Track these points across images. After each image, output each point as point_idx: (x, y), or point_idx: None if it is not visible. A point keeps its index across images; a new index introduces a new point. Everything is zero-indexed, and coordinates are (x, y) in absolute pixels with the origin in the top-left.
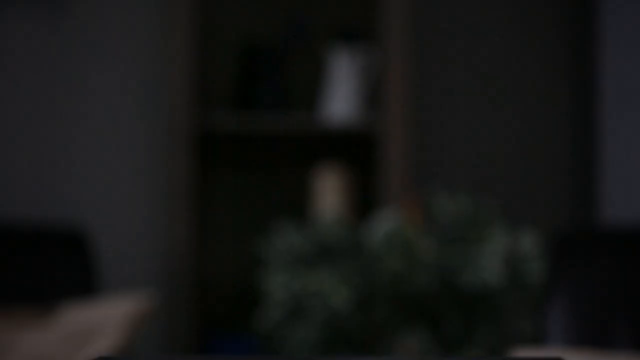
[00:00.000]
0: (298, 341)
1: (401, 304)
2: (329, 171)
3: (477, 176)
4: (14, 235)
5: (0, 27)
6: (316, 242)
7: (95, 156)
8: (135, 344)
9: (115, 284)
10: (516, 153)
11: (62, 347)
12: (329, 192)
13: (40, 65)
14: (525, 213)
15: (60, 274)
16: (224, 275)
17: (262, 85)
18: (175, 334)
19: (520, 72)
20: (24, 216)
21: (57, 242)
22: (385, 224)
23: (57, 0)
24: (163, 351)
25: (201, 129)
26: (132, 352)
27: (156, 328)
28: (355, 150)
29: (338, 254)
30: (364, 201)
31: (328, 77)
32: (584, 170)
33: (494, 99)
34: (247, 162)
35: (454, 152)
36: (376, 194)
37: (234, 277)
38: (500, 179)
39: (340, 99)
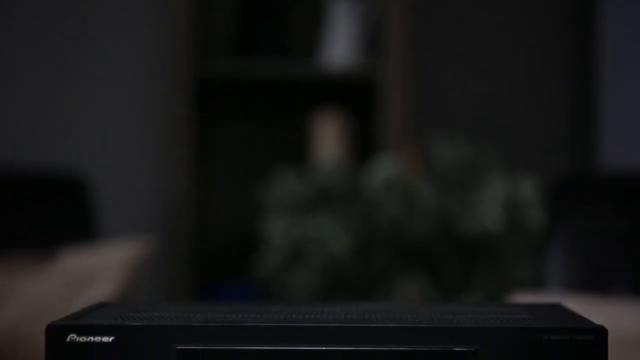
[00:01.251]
0: (297, 287)
1: (400, 249)
2: (328, 117)
3: (476, 122)
4: (14, 181)
5: None
6: (315, 188)
7: (95, 103)
8: (135, 290)
9: (115, 231)
10: (516, 99)
11: (62, 293)
12: (328, 138)
13: (41, 13)
14: (525, 159)
15: (59, 220)
16: (224, 222)
17: (262, 30)
18: (175, 280)
19: (520, 18)
20: (24, 162)
21: (57, 188)
22: (384, 169)
23: None
24: (163, 297)
25: (200, 75)
26: (131, 298)
27: (156, 274)
28: (354, 96)
29: (337, 200)
30: (363, 147)
31: (328, 22)
32: (584, 116)
33: (494, 45)
34: (247, 109)
35: (454, 98)
36: (375, 139)
37: (234, 223)
38: (499, 125)
39: (340, 45)
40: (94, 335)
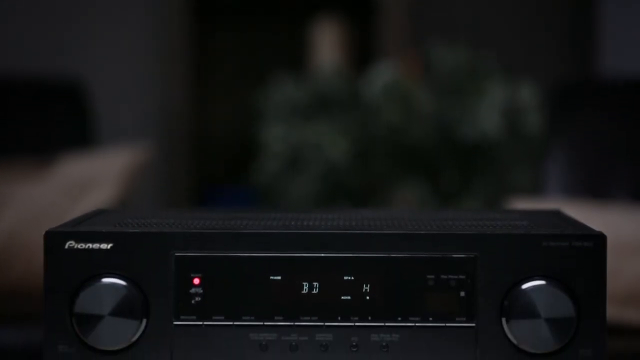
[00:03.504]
0: (296, 194)
1: (399, 156)
2: (327, 23)
3: (476, 29)
4: (12, 86)
5: None
6: (314, 94)
7: (96, 10)
8: (134, 196)
9: (113, 137)
10: (516, 5)
11: (60, 199)
12: (327, 45)
13: None
14: (524, 65)
15: (58, 126)
16: (222, 128)
17: None
18: (173, 186)
19: None
20: (22, 68)
21: (55, 95)
22: (383, 75)
23: None
24: (162, 203)
25: None
26: (130, 204)
27: (155, 180)
28: (354, 1)
29: (336, 106)
30: (362, 54)
31: None
32: (585, 21)
33: None
34: (245, 15)
35: (454, 4)
36: (374, 46)
37: (232, 130)
38: (500, 32)
39: None
40: (93, 242)
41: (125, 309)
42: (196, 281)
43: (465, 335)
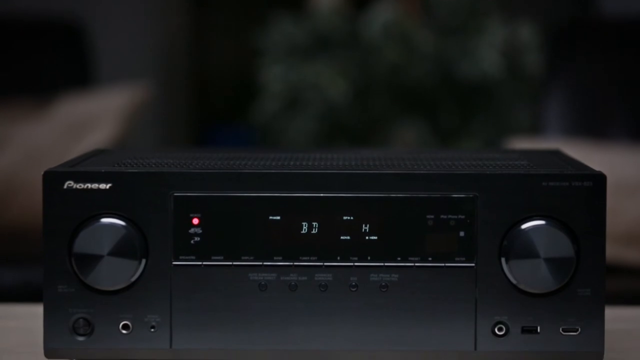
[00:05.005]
0: (295, 133)
1: (399, 95)
2: None
3: None
4: (11, 26)
5: None
6: (313, 33)
7: None
8: (133, 135)
9: (112, 77)
10: None
11: (59, 139)
12: None
13: None
14: (524, 4)
15: (56, 66)
16: (222, 67)
17: None
18: (173, 125)
19: None
20: (22, 8)
21: (54, 34)
22: (382, 14)
23: None
24: (161, 142)
25: None
26: (129, 144)
27: (154, 120)
28: None
29: (335, 45)
30: None
31: None
32: None
33: None
34: None
35: None
36: None
37: (232, 69)
38: None
39: None
40: (91, 182)
41: (125, 249)
42: (195, 221)
43: (464, 275)
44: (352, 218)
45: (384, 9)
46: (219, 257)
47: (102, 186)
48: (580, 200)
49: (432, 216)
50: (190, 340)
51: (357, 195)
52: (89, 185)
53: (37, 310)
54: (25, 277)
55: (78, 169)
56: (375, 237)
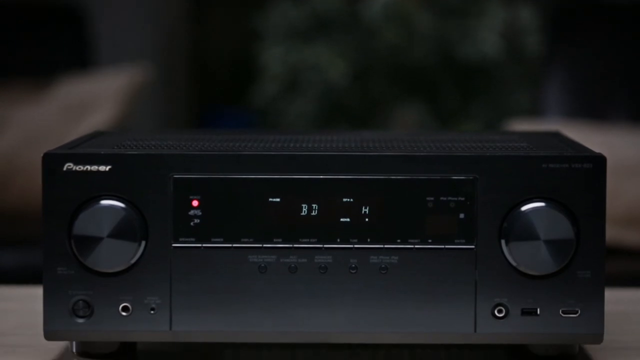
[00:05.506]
0: (295, 115)
1: (399, 77)
2: None
3: None
4: (11, 9)
5: None
6: (312, 15)
7: None
8: (133, 117)
9: (112, 59)
10: None
11: (59, 121)
12: None
13: None
14: None
15: (57, 48)
16: (221, 50)
17: None
18: (173, 109)
19: None
20: None
21: (55, 17)
22: None
23: None
24: (161, 124)
25: None
26: (129, 126)
27: (154, 102)
28: None
29: (335, 27)
30: None
31: None
32: None
33: None
34: None
35: None
36: None
37: (232, 52)
38: None
39: None
40: (91, 164)
41: (124, 231)
42: (195, 203)
43: (464, 257)
44: (352, 200)
45: None
46: (218, 239)
47: (102, 168)
48: (580, 182)
49: (432, 198)
50: (190, 322)
51: (357, 177)
52: (89, 167)
53: (36, 292)
54: (25, 259)
55: (77, 150)
56: (375, 219)
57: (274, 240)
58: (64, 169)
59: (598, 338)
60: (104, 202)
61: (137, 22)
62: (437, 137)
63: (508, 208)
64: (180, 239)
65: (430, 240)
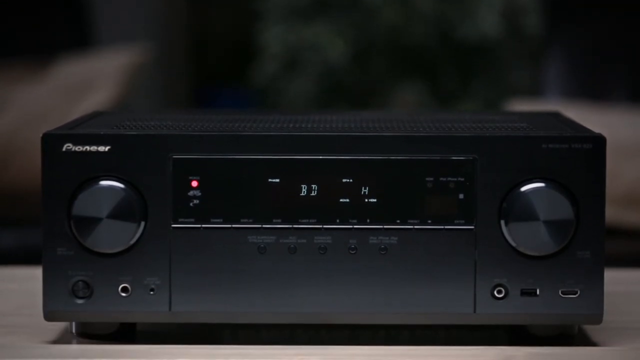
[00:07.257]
0: (294, 95)
1: (398, 57)
2: None
3: None
4: None
5: None
6: None
7: None
8: (132, 97)
9: (111, 39)
10: None
11: (58, 101)
12: None
13: None
14: None
15: (56, 28)
16: (221, 30)
17: None
18: (172, 89)
19: None
20: None
21: None
22: None
23: None
24: (160, 104)
25: None
26: (128, 106)
27: (153, 81)
28: None
29: (335, 6)
30: None
31: None
32: None
33: None
34: None
35: None
36: None
37: (231, 31)
38: None
39: None
40: (90, 144)
41: (124, 211)
42: (194, 184)
43: (463, 237)
44: (351, 180)
45: None
46: (218, 220)
47: (101, 148)
48: (580, 163)
49: (432, 178)
50: (189, 303)
51: (357, 158)
52: (88, 148)
53: (36, 273)
54: (24, 240)
55: (77, 131)
56: (375, 200)
57: (274, 220)
58: (64, 149)
59: (597, 318)
60: (104, 182)
61: (136, 2)
62: (436, 117)
63: (508, 188)
64: (180, 220)
65: (429, 221)
